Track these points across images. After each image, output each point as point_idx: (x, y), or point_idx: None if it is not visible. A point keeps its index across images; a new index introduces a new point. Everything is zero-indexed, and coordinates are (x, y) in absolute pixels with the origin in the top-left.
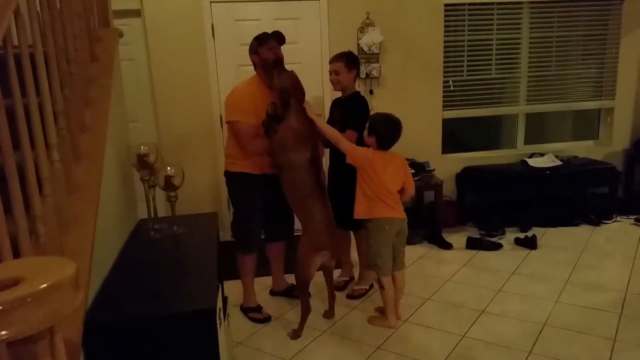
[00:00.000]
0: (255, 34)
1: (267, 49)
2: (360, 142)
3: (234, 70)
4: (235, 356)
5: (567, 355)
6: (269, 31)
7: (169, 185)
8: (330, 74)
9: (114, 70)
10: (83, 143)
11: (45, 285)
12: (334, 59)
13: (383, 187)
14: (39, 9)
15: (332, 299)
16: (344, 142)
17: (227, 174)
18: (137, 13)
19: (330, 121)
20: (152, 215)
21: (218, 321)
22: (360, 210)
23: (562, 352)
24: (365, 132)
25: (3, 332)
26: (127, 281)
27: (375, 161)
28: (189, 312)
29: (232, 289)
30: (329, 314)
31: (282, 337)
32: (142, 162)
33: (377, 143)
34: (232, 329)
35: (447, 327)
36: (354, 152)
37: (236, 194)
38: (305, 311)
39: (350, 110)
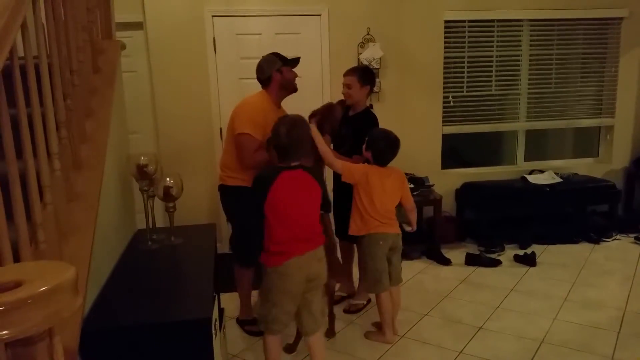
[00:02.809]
0: (257, 48)
1: (290, 70)
2: None
3: (235, 84)
4: None
5: None
6: (271, 45)
7: (168, 196)
8: (343, 87)
9: (115, 82)
10: (84, 152)
11: (45, 287)
12: (348, 73)
13: (379, 202)
14: (44, 21)
15: (331, 319)
16: (338, 163)
17: (224, 188)
18: (139, 26)
19: (339, 137)
20: (150, 226)
21: (214, 332)
22: (354, 227)
23: None
24: (364, 146)
25: (4, 332)
26: (124, 289)
27: (371, 176)
28: (185, 322)
29: (229, 301)
30: (328, 332)
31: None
32: (142, 173)
33: (372, 158)
34: (228, 341)
35: (445, 343)
36: (348, 171)
37: (234, 208)
38: (299, 335)
39: (363, 129)
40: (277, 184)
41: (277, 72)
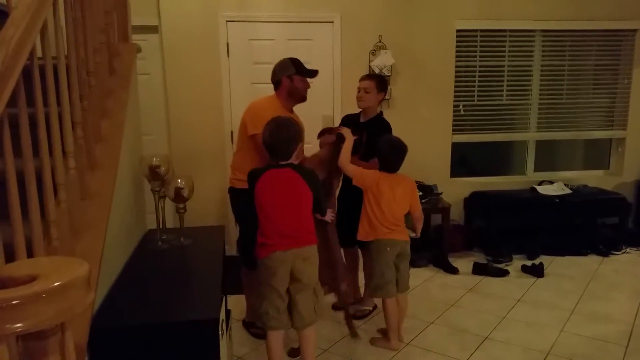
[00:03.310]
0: (270, 53)
1: (303, 80)
2: None
3: (247, 88)
4: None
5: None
6: (283, 51)
7: (179, 197)
8: (359, 91)
9: (131, 84)
10: (98, 152)
11: (59, 282)
12: (366, 78)
13: (388, 209)
14: (63, 24)
15: (349, 322)
16: (350, 166)
17: (233, 190)
18: (154, 29)
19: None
20: (161, 226)
21: (220, 332)
22: (362, 232)
23: None
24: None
25: (18, 325)
26: (133, 288)
27: (382, 183)
28: (193, 322)
29: (235, 304)
30: (352, 333)
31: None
32: (154, 173)
33: (379, 165)
34: (234, 343)
35: (450, 352)
36: (359, 175)
37: (243, 210)
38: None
39: (376, 135)
40: (261, 181)
41: (287, 78)
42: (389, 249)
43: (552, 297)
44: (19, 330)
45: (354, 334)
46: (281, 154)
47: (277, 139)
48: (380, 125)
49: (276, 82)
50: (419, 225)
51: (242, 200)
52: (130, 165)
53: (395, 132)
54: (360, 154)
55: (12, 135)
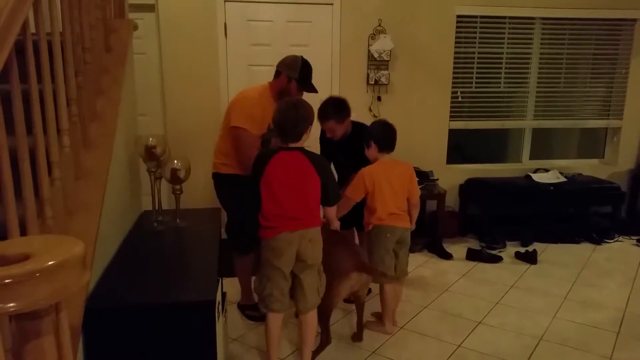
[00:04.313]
0: (268, 35)
1: (299, 89)
2: None
3: (244, 70)
4: (230, 352)
5: None
6: (282, 33)
7: (175, 178)
8: (328, 132)
9: (126, 62)
10: (93, 130)
11: (53, 261)
12: (323, 119)
13: (388, 197)
14: None
15: (360, 326)
16: (343, 197)
17: (218, 175)
18: (151, 7)
19: (340, 165)
20: (157, 207)
21: (216, 314)
22: (366, 221)
23: None
24: (366, 148)
25: (11, 305)
26: (129, 269)
27: (376, 176)
28: (189, 303)
29: (230, 286)
30: (355, 336)
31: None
32: (150, 154)
33: (377, 147)
34: (229, 326)
35: (443, 336)
36: (352, 191)
37: (230, 196)
38: (325, 342)
39: (356, 142)
40: (272, 162)
41: (286, 77)
42: (388, 235)
43: (545, 283)
44: (11, 310)
45: (358, 336)
46: (291, 135)
47: (286, 119)
48: (355, 133)
49: (277, 72)
50: (415, 213)
51: (228, 185)
52: (125, 144)
53: (392, 118)
54: (351, 169)
55: (5, 112)
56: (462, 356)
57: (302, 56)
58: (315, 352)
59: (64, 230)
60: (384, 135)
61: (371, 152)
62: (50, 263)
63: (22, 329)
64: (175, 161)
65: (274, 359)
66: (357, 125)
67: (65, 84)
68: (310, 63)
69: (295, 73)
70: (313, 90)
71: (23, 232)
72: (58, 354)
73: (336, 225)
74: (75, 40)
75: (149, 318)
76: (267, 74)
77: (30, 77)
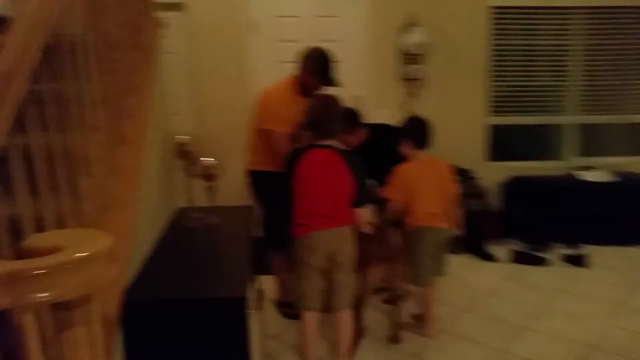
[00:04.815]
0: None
1: (318, 82)
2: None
3: (274, 66)
4: (267, 349)
5: None
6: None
7: (208, 176)
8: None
9: (156, 60)
10: (126, 128)
11: (83, 254)
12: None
13: (425, 197)
14: None
15: (397, 325)
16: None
17: (252, 173)
18: (180, 6)
19: None
20: (191, 204)
21: (250, 310)
22: (407, 222)
23: None
24: (400, 145)
25: (43, 294)
26: (164, 265)
27: (410, 174)
28: (223, 299)
29: (269, 284)
30: (393, 338)
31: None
32: (182, 152)
33: (413, 144)
34: (266, 323)
35: (487, 341)
36: (391, 192)
37: (264, 193)
38: (357, 336)
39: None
40: (303, 161)
41: (303, 69)
42: (428, 236)
43: (596, 288)
44: (44, 299)
45: (396, 338)
46: (324, 132)
47: (321, 115)
48: (376, 138)
49: (300, 66)
50: (455, 212)
51: (262, 182)
52: (157, 142)
53: (427, 113)
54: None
55: (38, 111)
56: None
57: (318, 47)
58: (350, 348)
59: (101, 226)
60: (418, 131)
61: (406, 149)
62: (79, 255)
63: (56, 319)
64: (208, 159)
65: (312, 358)
66: (378, 128)
67: (95, 83)
68: (340, 58)
69: (309, 64)
70: (333, 82)
71: (62, 227)
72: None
73: (367, 229)
74: (105, 39)
75: (183, 312)
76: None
77: (66, 77)
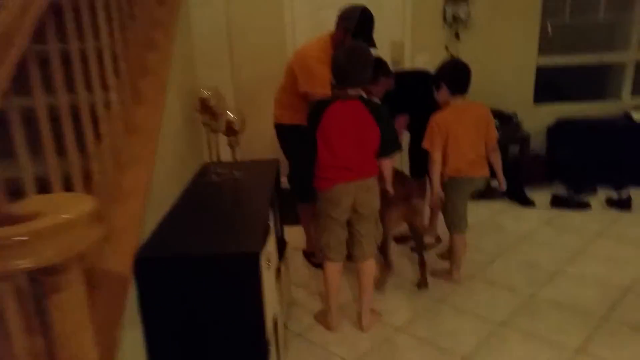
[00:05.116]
0: None
1: (351, 38)
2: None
3: (311, 15)
4: (294, 297)
5: None
6: None
7: (230, 130)
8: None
9: (180, 14)
10: (145, 86)
11: (60, 220)
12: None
13: (463, 145)
14: None
15: (422, 268)
16: (430, 154)
17: (281, 126)
18: None
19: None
20: (214, 159)
21: (266, 264)
22: (441, 172)
23: None
24: (436, 92)
25: (20, 262)
26: (183, 220)
27: (449, 120)
28: (235, 254)
29: (296, 234)
30: (421, 283)
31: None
32: (204, 107)
33: (448, 89)
34: (293, 272)
35: (516, 286)
36: (429, 143)
37: (292, 145)
38: (386, 270)
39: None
40: (329, 112)
41: (343, 29)
42: (466, 186)
43: (637, 231)
44: (21, 267)
45: (423, 283)
46: (353, 80)
47: (348, 62)
48: (400, 86)
49: (337, 23)
50: (496, 159)
51: (290, 136)
52: (181, 98)
53: (472, 56)
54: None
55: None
56: (534, 306)
57: (363, 6)
58: (380, 283)
59: (114, 185)
60: (455, 76)
61: (442, 95)
62: (57, 222)
63: (42, 283)
64: (229, 113)
65: (334, 308)
66: (415, 76)
67: (111, 40)
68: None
69: (351, 25)
70: (371, 45)
71: (70, 188)
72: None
73: (389, 186)
74: None
75: (195, 268)
76: (334, 18)
77: (70, 34)
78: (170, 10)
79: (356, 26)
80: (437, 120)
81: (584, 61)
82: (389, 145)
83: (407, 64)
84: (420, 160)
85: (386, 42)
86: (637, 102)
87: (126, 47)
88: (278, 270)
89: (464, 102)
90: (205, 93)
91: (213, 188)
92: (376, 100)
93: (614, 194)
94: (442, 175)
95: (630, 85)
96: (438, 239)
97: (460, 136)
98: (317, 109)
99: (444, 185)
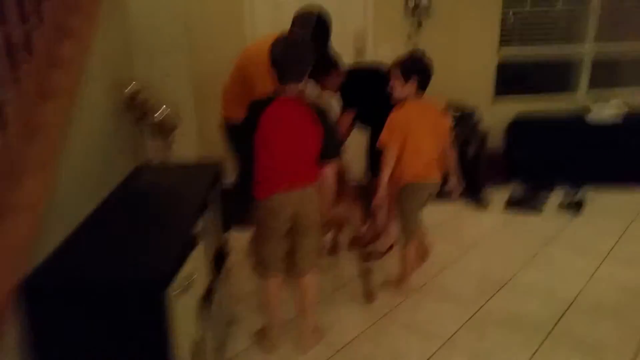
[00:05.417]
0: None
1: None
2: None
3: (270, 3)
4: (235, 314)
5: (591, 339)
6: None
7: (163, 128)
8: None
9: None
10: (54, 78)
11: None
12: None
13: (424, 144)
14: None
15: (367, 277)
16: (383, 151)
17: (229, 124)
18: None
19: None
20: (149, 161)
21: (180, 289)
22: (397, 175)
23: (586, 335)
24: (398, 82)
25: None
26: (91, 238)
27: (411, 118)
28: (134, 282)
29: (242, 240)
30: (368, 296)
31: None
32: (133, 102)
33: (419, 84)
34: (236, 284)
35: (464, 297)
36: (388, 137)
37: (239, 144)
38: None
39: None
40: (266, 113)
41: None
42: (421, 191)
43: (589, 237)
44: None
45: (369, 295)
46: (292, 74)
47: (286, 56)
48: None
49: (291, 25)
50: (453, 159)
51: (238, 133)
52: (108, 93)
53: (434, 46)
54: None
55: None
56: (481, 320)
57: (319, 12)
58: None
59: (3, 202)
60: (428, 71)
61: (406, 89)
62: None
63: None
64: (163, 108)
65: (274, 326)
66: (358, 71)
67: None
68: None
69: (307, 32)
70: (325, 51)
71: None
72: None
73: (329, 190)
74: None
75: (89, 299)
76: (295, 8)
77: None
78: None
79: (312, 33)
80: (399, 117)
81: (543, 53)
82: (328, 150)
83: (370, 54)
84: (379, 158)
85: (349, 32)
86: (594, 96)
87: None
88: (209, 289)
89: (422, 100)
90: (134, 87)
91: (139, 195)
92: (331, 93)
93: (569, 196)
94: (398, 181)
95: (587, 78)
96: (391, 246)
97: (420, 137)
98: (254, 109)
99: (400, 192)
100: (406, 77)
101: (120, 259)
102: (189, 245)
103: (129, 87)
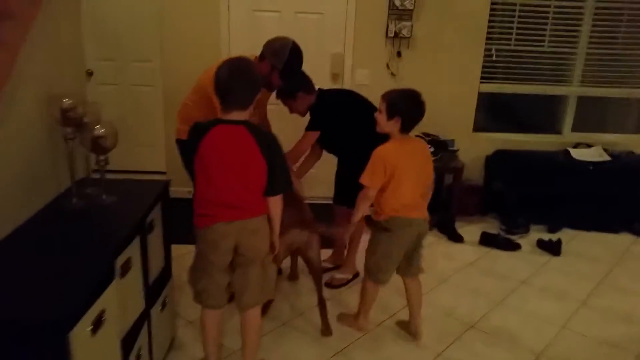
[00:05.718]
0: None
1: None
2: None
3: (247, 15)
4: (181, 340)
5: None
6: None
7: (97, 147)
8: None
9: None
10: None
11: None
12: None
13: (409, 183)
14: None
15: (323, 310)
16: (364, 190)
17: (182, 142)
18: None
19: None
20: (77, 181)
21: (90, 326)
22: (377, 211)
23: None
24: (383, 117)
25: None
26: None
27: (399, 158)
28: (34, 321)
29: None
30: (324, 329)
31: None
32: (67, 118)
33: (402, 125)
34: (184, 308)
35: (425, 340)
36: (370, 178)
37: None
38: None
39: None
40: (207, 138)
41: (270, 65)
42: (408, 228)
43: (564, 281)
44: None
45: (325, 329)
46: (237, 101)
47: (231, 79)
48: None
49: (262, 55)
50: (427, 196)
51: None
52: (39, 106)
53: (413, 76)
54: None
55: None
56: None
57: (292, 43)
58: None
59: None
60: (415, 114)
61: (389, 125)
62: None
63: None
64: (98, 127)
65: (212, 358)
66: (329, 94)
67: None
68: (323, 10)
69: (279, 62)
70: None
71: None
72: None
73: (275, 237)
74: None
75: None
76: (272, 22)
77: None
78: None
79: (285, 64)
80: (385, 155)
81: (526, 91)
82: (276, 183)
83: (347, 78)
84: (347, 189)
85: (327, 54)
86: (577, 138)
87: None
88: (146, 314)
89: (408, 137)
90: (68, 101)
91: (66, 217)
92: (298, 116)
93: (545, 235)
94: (378, 216)
95: (571, 120)
96: (356, 275)
97: (408, 175)
98: (195, 133)
99: (378, 226)
100: (390, 114)
101: (24, 294)
102: (109, 275)
103: (65, 101)
